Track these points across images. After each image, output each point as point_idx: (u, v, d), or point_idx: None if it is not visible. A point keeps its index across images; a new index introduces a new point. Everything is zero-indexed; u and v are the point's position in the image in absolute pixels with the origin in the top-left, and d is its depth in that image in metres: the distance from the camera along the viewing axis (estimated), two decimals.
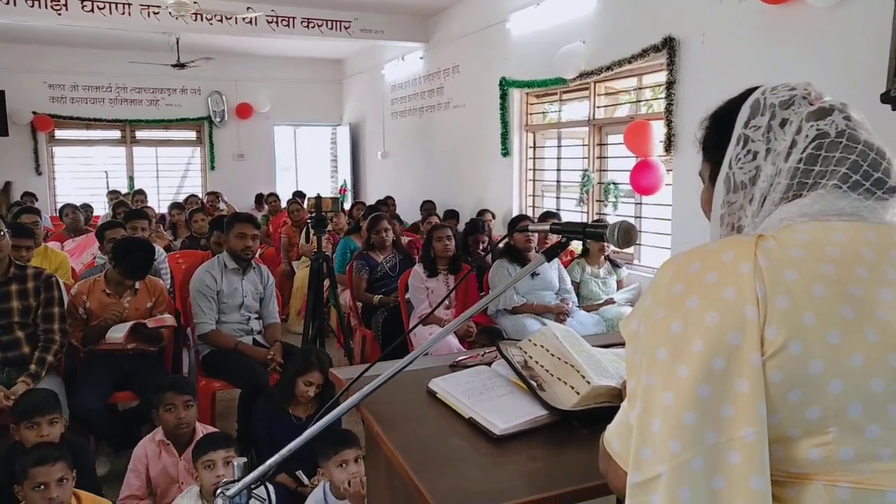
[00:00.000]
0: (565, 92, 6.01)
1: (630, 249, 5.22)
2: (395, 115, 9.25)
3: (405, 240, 5.86)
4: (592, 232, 1.30)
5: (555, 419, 1.25)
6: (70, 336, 3.43)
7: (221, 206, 8.60)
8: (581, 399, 1.23)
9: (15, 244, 3.46)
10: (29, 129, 9.61)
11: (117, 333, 3.40)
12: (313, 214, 3.72)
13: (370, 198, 9.33)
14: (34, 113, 9.54)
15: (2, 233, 3.18)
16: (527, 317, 4.17)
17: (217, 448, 2.45)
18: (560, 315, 4.20)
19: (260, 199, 9.93)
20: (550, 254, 1.34)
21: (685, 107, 4.53)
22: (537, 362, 1.36)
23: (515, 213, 6.44)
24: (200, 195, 9.42)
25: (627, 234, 1.27)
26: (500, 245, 4.63)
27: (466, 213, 6.84)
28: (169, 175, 10.82)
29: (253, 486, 1.28)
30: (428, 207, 7.36)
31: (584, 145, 5.96)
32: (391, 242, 4.94)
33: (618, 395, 1.26)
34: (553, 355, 1.36)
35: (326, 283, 3.93)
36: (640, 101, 5.40)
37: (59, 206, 9.04)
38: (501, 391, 1.32)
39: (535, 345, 1.40)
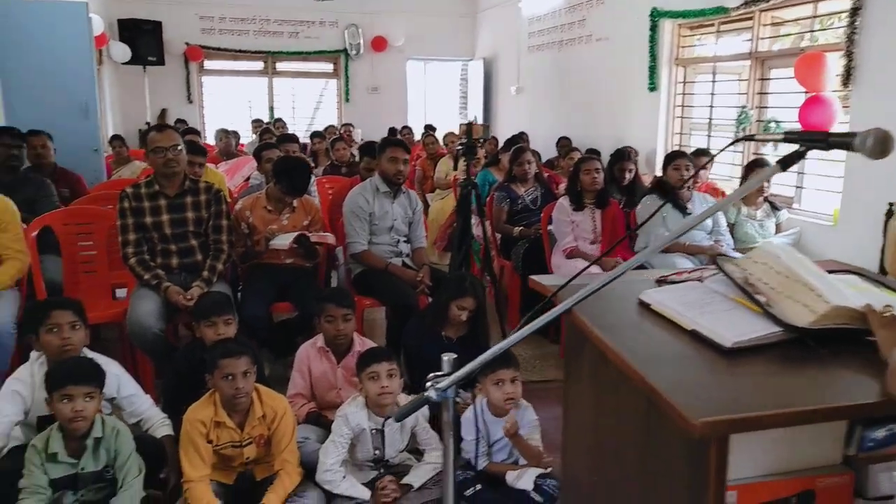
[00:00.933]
0: (724, 22, 5.60)
1: (791, 192, 4.87)
2: (532, 49, 9.00)
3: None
4: (838, 141, 1.18)
5: (788, 337, 1.16)
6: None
7: (357, 137, 8.79)
8: (820, 317, 1.14)
9: (189, 160, 3.67)
10: (182, 60, 10.16)
11: (283, 241, 3.56)
12: (464, 141, 3.70)
13: (502, 134, 9.22)
14: (187, 44, 10.04)
15: (179, 147, 3.37)
16: (678, 256, 4.01)
17: (381, 361, 2.53)
18: (713, 257, 4.00)
19: (393, 132, 10.06)
20: (786, 163, 1.23)
21: (871, 36, 4.08)
22: (760, 279, 1.27)
23: (660, 151, 6.16)
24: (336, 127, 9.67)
25: (884, 143, 1.14)
26: (650, 183, 4.43)
27: (605, 152, 6.61)
28: (305, 106, 11.16)
29: (459, 384, 1.29)
30: (564, 144, 7.18)
31: (741, 80, 5.56)
32: (533, 175, 4.86)
33: (860, 317, 1.15)
34: (779, 273, 1.26)
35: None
36: (812, 31, 4.93)
37: (207, 132, 9.57)
38: (723, 306, 1.25)
39: (757, 262, 1.31)
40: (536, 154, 5.35)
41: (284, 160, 3.80)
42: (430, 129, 8.69)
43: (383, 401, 2.50)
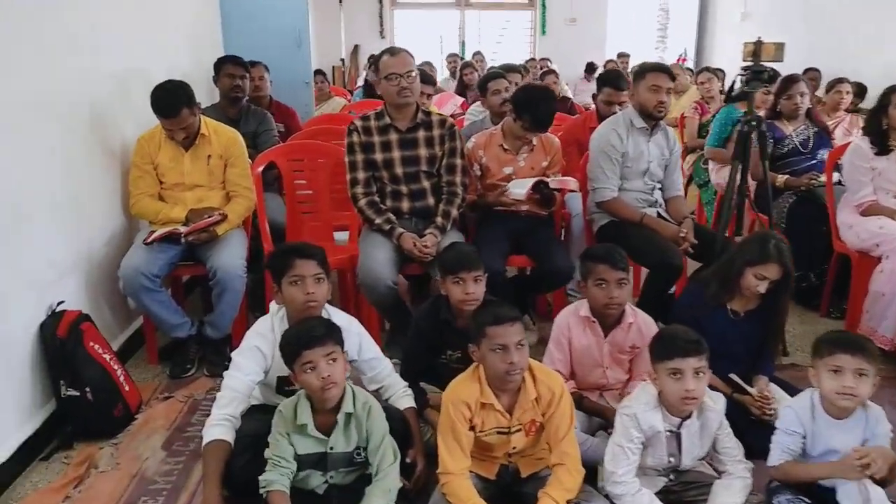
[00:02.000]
0: None
1: None
2: None
3: None
4: None
5: None
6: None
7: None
8: None
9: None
10: None
11: (520, 188, 3.07)
12: (750, 65, 2.96)
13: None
14: None
15: (413, 74, 2.94)
16: None
17: (691, 355, 1.93)
18: None
19: (591, 68, 9.25)
20: None
21: None
22: None
23: None
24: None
25: None
26: None
27: (874, 87, 5.45)
28: (497, 40, 10.58)
29: None
30: (813, 76, 6.05)
31: None
32: (804, 112, 3.97)
33: None
34: None
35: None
36: None
37: None
38: None
39: None
40: (811, 85, 4.41)
41: (527, 90, 3.27)
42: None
43: (687, 406, 1.95)
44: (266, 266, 2.18)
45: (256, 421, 2.21)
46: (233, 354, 2.20)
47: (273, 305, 2.25)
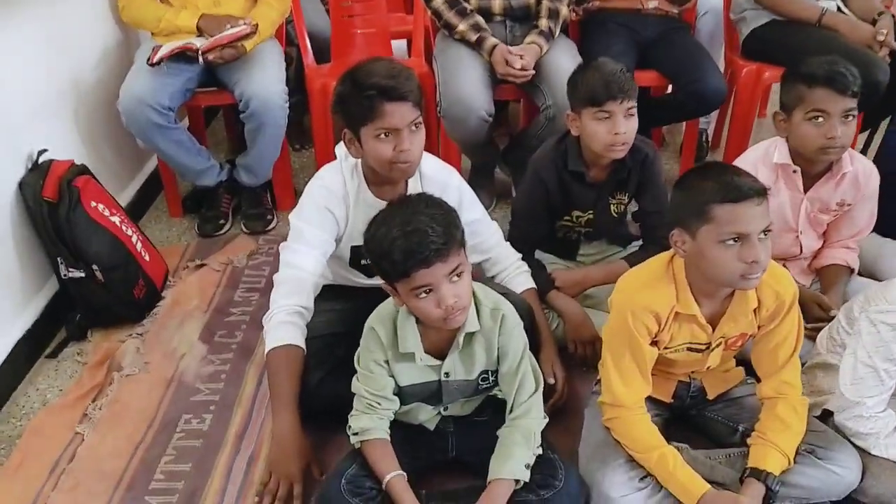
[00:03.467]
0: None
1: None
2: None
3: None
4: None
5: None
6: None
7: None
8: None
9: None
10: None
11: None
12: None
13: None
14: None
15: None
16: None
17: None
18: None
19: None
20: None
21: None
22: None
23: None
24: None
25: None
26: None
27: None
28: None
29: None
30: None
31: None
32: None
33: None
34: None
35: None
36: None
37: None
38: None
39: None
40: None
41: None
42: None
43: None
44: (334, 109, 1.45)
45: (327, 313, 1.61)
46: (291, 218, 1.55)
47: (340, 149, 1.55)
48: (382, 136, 1.38)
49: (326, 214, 1.51)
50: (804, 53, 1.68)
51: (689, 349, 1.35)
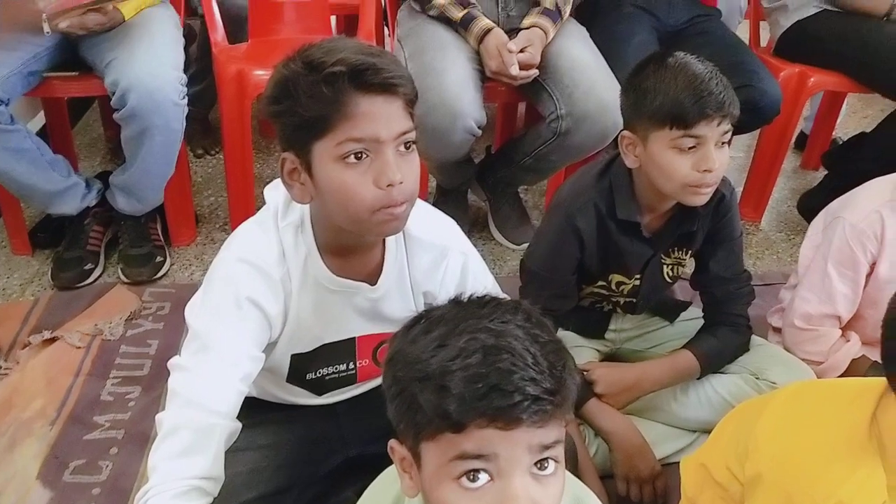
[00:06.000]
0: None
1: None
2: None
3: None
4: None
5: None
6: None
7: None
8: None
9: None
10: None
11: None
12: None
13: None
14: None
15: None
16: None
17: None
18: None
19: None
20: None
21: None
22: None
23: None
24: None
25: None
26: None
27: None
28: None
29: None
30: None
31: None
32: None
33: None
34: None
35: None
36: None
37: None
38: None
39: None
40: None
41: None
42: None
43: None
44: (269, 112, 0.81)
45: (245, 454, 0.97)
46: (189, 317, 0.93)
47: (272, 194, 0.91)
48: (352, 158, 0.76)
49: (251, 311, 0.85)
50: (865, 53, 1.19)
51: None
